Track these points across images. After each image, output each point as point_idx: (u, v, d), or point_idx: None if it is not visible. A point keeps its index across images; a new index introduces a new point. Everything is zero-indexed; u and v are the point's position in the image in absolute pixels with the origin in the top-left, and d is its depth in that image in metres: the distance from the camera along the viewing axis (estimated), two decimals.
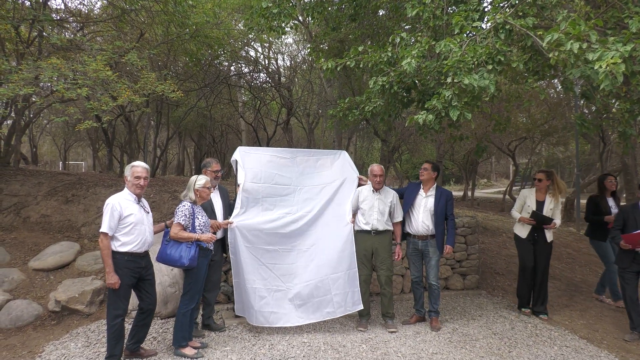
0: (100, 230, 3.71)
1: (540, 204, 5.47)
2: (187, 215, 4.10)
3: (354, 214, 5.17)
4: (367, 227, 5.02)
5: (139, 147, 16.61)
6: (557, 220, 5.40)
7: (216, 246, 4.68)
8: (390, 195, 5.14)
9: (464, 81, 3.84)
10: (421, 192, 5.20)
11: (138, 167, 3.95)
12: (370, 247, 5.02)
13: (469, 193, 17.66)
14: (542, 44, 3.58)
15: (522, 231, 5.55)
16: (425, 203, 5.13)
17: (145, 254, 4.00)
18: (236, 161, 5.07)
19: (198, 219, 4.18)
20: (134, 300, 4.45)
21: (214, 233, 4.55)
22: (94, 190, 7.87)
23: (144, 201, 4.07)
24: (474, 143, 12.46)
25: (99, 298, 5.38)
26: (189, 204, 4.16)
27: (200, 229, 4.17)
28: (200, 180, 4.27)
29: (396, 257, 5.16)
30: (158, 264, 4.21)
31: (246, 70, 13.91)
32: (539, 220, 5.41)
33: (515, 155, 15.38)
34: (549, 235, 5.44)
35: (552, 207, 5.41)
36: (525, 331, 5.02)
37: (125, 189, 3.94)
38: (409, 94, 5.30)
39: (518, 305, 5.70)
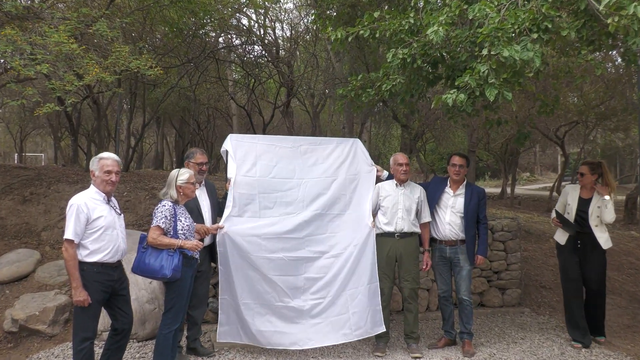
0: (65, 236, 3.72)
1: (584, 203, 5.35)
2: (168, 217, 4.11)
3: (374, 215, 5.17)
4: (390, 229, 5.01)
5: (109, 135, 16.70)
6: (608, 217, 5.16)
7: (203, 255, 4.69)
8: (417, 191, 5.14)
9: (502, 53, 3.81)
10: (448, 190, 5.20)
11: (108, 159, 3.97)
12: (393, 254, 5.01)
13: (508, 190, 17.59)
14: (599, 7, 3.54)
15: (561, 236, 5.47)
16: (453, 204, 5.12)
17: (118, 265, 4.03)
18: (227, 152, 5.08)
19: (181, 221, 4.19)
20: (105, 320, 4.48)
21: (201, 239, 4.57)
22: (57, 188, 7.92)
23: (114, 201, 4.09)
24: (514, 129, 12.37)
25: (64, 316, 5.42)
26: (169, 203, 4.18)
27: (184, 234, 4.18)
28: (183, 174, 4.28)
29: (424, 267, 5.14)
30: (134, 276, 4.23)
31: (238, 42, 13.90)
32: (563, 223, 5.37)
33: (564, 144, 15.29)
34: (604, 241, 5.25)
35: (600, 206, 5.24)
36: (577, 357, 5.00)
37: (92, 186, 3.95)
38: (436, 70, 5.27)
39: (569, 334, 5.50)
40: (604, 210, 5.19)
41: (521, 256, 6.93)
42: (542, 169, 38.13)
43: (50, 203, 7.54)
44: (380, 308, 4.91)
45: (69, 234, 3.70)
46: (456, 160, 5.16)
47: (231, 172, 4.94)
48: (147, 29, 10.85)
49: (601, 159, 5.89)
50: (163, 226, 4.09)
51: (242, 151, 5.08)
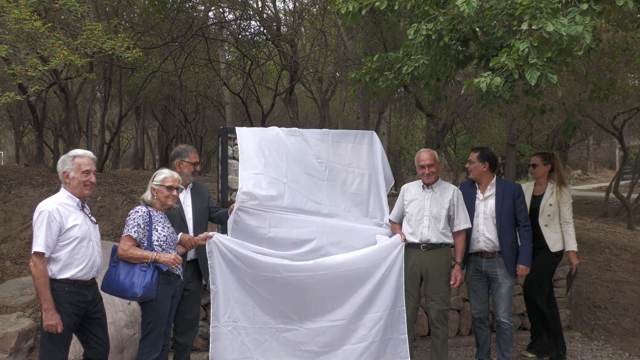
0: (34, 249, 3.73)
1: (536, 200, 5.52)
2: (142, 225, 4.12)
3: (400, 224, 5.18)
4: (414, 239, 4.99)
5: (79, 129, 16.78)
6: (569, 238, 5.51)
7: (191, 270, 4.71)
8: (449, 193, 5.07)
9: (546, 28, 3.80)
10: (478, 193, 5.20)
11: (84, 157, 3.98)
12: (418, 269, 5.00)
13: None
14: None
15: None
16: (484, 208, 5.12)
17: (93, 283, 4.05)
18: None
19: (157, 230, 4.20)
20: (76, 347, 4.52)
21: (185, 254, 4.57)
22: (18, 192, 7.97)
23: (87, 207, 4.12)
24: (562, 118, 12.32)
25: (28, 344, 5.45)
26: (144, 209, 4.19)
27: (160, 246, 4.18)
28: (159, 174, 4.29)
29: (453, 283, 5.08)
30: (110, 296, 4.23)
31: (231, 17, 13.94)
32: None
33: (623, 135, 15.17)
34: (553, 243, 5.46)
35: (553, 203, 5.43)
36: None
37: (63, 189, 3.97)
38: (466, 48, 5.28)
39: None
40: (562, 207, 5.44)
41: (571, 270, 6.89)
42: (596, 166, 37.84)
43: (11, 210, 7.59)
44: (406, 337, 4.90)
45: (39, 246, 3.70)
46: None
47: (250, 177, 4.80)
48: (124, 2, 10.91)
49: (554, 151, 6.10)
50: (135, 236, 4.09)
51: (267, 145, 5.04)
